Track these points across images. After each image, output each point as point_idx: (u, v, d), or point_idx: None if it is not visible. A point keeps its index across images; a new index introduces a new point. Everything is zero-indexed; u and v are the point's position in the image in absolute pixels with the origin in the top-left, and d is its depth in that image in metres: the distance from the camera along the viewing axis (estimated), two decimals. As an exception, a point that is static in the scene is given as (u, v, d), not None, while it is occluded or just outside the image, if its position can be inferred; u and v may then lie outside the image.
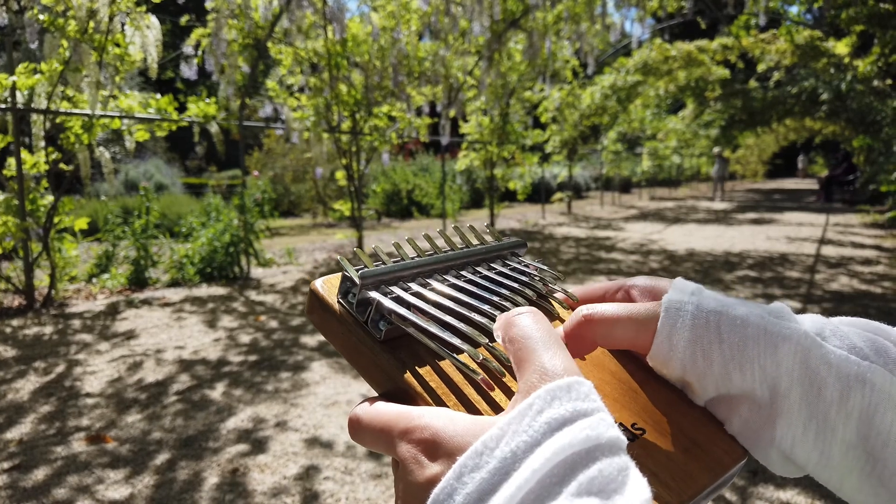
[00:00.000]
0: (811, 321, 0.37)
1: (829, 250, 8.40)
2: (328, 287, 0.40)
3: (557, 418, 0.27)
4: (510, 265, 0.48)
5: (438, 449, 0.29)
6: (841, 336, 0.36)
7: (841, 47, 9.69)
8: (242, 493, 2.28)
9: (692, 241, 9.48)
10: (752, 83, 15.29)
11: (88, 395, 3.23)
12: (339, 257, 0.41)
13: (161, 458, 2.55)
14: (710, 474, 0.35)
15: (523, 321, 0.34)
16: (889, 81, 10.01)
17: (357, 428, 0.35)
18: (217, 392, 3.26)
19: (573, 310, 0.44)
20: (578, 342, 0.38)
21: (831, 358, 0.35)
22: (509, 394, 0.36)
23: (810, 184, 30.62)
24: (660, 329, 0.37)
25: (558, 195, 15.80)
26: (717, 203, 19.34)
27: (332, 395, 3.20)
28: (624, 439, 0.27)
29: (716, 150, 20.39)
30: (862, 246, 8.84)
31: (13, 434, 2.78)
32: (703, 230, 11.26)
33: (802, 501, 2.22)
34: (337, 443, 2.67)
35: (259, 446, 2.65)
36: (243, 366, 3.67)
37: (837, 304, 5.10)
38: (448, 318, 0.38)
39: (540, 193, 15.60)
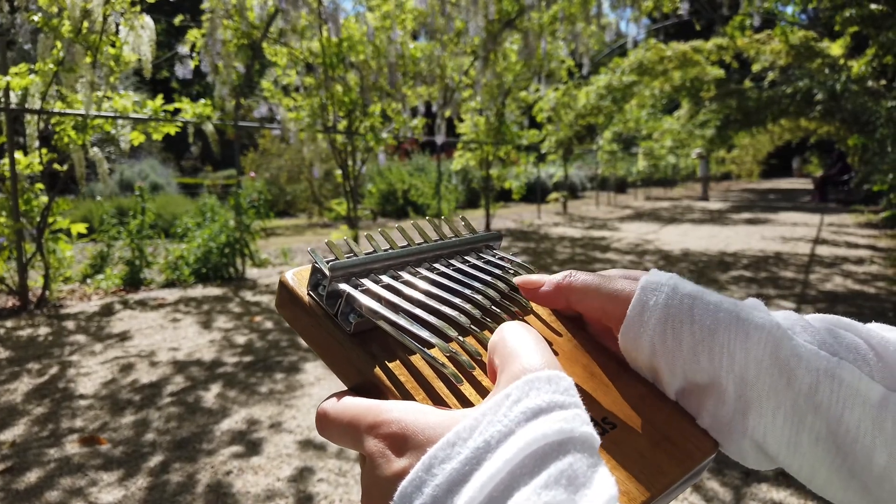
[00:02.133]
0: (783, 316, 0.37)
1: (823, 250, 8.43)
2: (298, 279, 0.39)
3: (533, 408, 0.27)
4: (484, 258, 0.47)
5: (407, 442, 0.29)
6: (812, 332, 0.36)
7: (835, 48, 9.72)
8: (236, 494, 2.28)
9: (687, 241, 9.50)
10: (748, 83, 15.32)
11: (82, 396, 3.23)
12: (309, 248, 0.40)
13: (155, 459, 2.55)
14: (679, 468, 0.35)
15: (509, 329, 0.34)
16: (883, 82, 10.04)
17: (324, 422, 0.34)
18: (211, 393, 3.25)
19: None
20: (556, 298, 0.41)
21: (801, 351, 0.35)
22: (480, 389, 0.35)
23: (805, 183, 30.71)
24: (633, 304, 0.38)
25: (554, 195, 15.81)
26: (713, 203, 19.39)
27: (327, 395, 3.19)
28: (597, 438, 0.27)
29: (696, 151, 20.47)
30: (856, 246, 8.88)
31: (6, 436, 2.77)
32: (698, 230, 11.28)
33: (795, 502, 2.23)
34: (331, 445, 2.67)
35: (253, 448, 2.65)
36: (238, 367, 3.66)
37: (831, 304, 5.11)
38: (418, 312, 0.37)
39: (536, 193, 15.60)
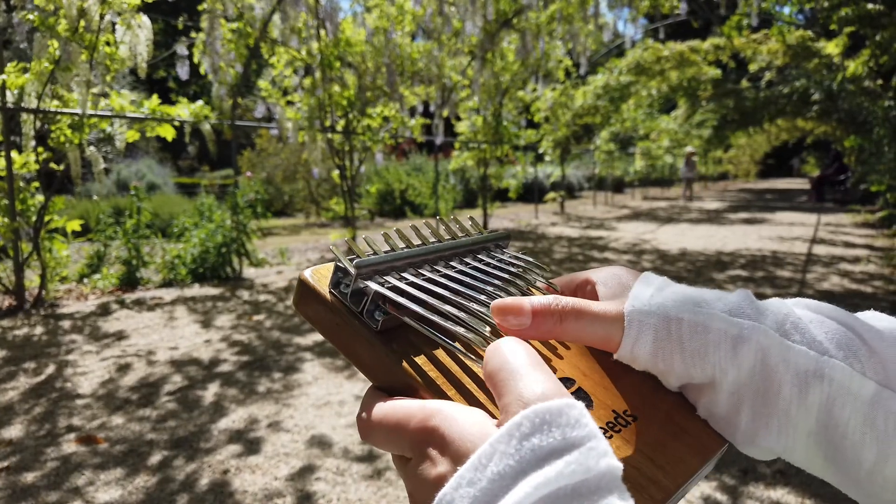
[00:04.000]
0: (774, 312, 0.37)
1: (820, 250, 8.44)
2: (318, 277, 0.39)
3: (545, 447, 0.26)
4: (497, 256, 0.48)
5: (446, 449, 0.30)
6: (802, 330, 0.36)
7: (832, 48, 9.74)
8: (235, 493, 2.27)
9: (684, 241, 9.51)
10: (745, 83, 15.34)
11: (79, 395, 3.22)
12: (331, 246, 0.40)
13: (153, 459, 2.54)
14: (699, 458, 0.36)
15: (501, 349, 0.32)
16: (880, 82, 10.06)
17: (368, 428, 0.34)
18: (209, 393, 3.25)
19: None
20: (536, 333, 0.37)
21: (790, 355, 0.35)
22: None
23: (802, 183, 30.78)
24: (622, 347, 0.37)
25: (551, 195, 15.82)
26: (710, 202, 19.41)
27: (325, 395, 3.20)
28: (618, 467, 0.26)
29: (688, 149, 20.44)
30: (853, 245, 8.90)
31: (3, 435, 2.76)
32: (695, 230, 11.30)
33: (793, 500, 2.23)
34: (329, 443, 2.67)
35: (251, 447, 2.64)
36: (235, 366, 3.66)
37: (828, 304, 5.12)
38: (447, 307, 0.37)
39: (533, 193, 15.61)
